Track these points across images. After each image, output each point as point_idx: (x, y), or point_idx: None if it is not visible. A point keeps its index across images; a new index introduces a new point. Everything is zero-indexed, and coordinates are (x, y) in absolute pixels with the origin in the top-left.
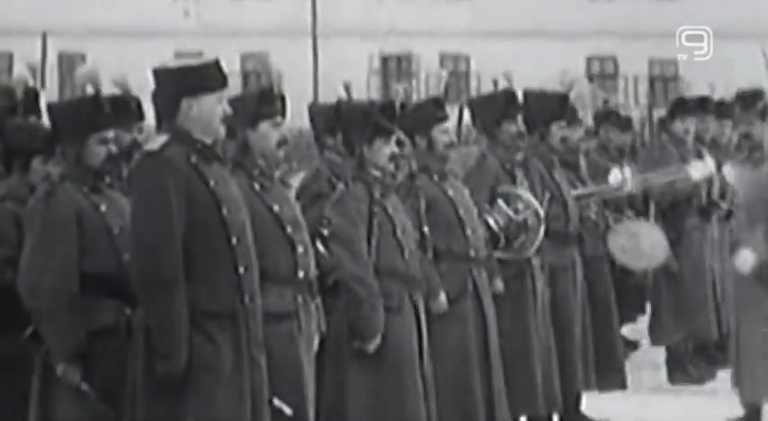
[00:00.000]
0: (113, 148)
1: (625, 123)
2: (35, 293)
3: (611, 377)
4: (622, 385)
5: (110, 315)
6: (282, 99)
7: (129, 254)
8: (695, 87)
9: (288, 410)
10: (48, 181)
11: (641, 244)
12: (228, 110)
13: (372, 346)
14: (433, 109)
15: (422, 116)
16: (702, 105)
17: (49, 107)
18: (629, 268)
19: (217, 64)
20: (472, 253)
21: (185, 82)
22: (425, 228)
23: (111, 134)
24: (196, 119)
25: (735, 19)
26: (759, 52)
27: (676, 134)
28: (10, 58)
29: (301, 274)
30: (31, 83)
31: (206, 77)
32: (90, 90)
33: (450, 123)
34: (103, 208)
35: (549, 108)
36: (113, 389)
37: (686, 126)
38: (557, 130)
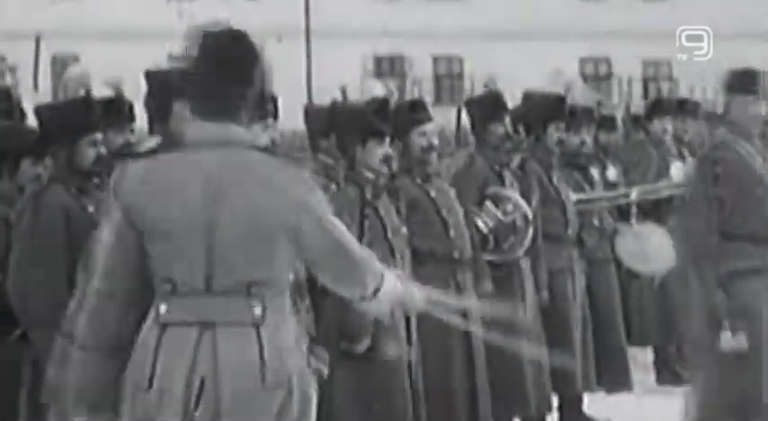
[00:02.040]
0: (103, 150)
1: (608, 123)
2: (23, 295)
3: (616, 378)
4: (628, 386)
5: None
6: (273, 101)
7: None
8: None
9: None
10: (37, 182)
11: (648, 247)
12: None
13: (360, 348)
14: (410, 112)
15: (399, 119)
16: (681, 107)
17: (39, 109)
18: (636, 271)
19: None
20: (456, 254)
21: (177, 84)
22: (404, 230)
23: (100, 136)
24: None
25: (734, 19)
26: (757, 53)
27: (654, 134)
28: (3, 61)
29: (291, 276)
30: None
31: None
32: (81, 92)
33: (447, 124)
34: (91, 209)
35: (546, 109)
36: None
37: (664, 126)
38: (553, 132)
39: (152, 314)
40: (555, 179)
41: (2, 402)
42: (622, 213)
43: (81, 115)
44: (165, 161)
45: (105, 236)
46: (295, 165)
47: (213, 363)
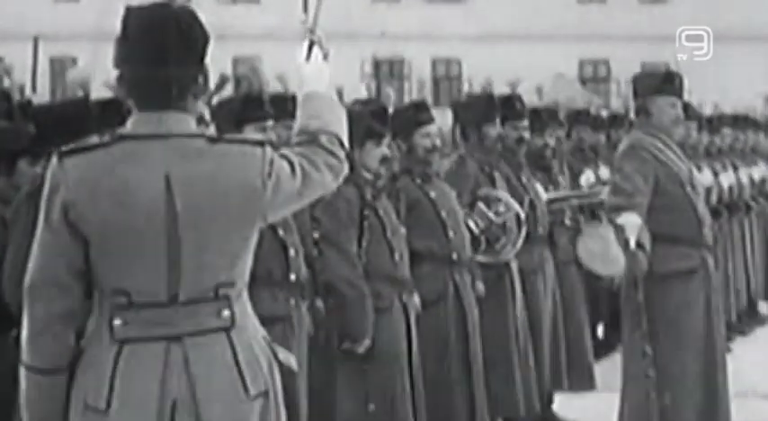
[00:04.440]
0: None
1: (598, 122)
2: (20, 294)
3: (580, 378)
4: (591, 386)
5: None
6: (274, 102)
7: None
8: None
9: None
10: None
11: (611, 250)
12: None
13: (362, 348)
14: (414, 113)
15: (403, 120)
16: None
17: (38, 109)
18: (596, 273)
19: None
20: (454, 256)
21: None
22: (402, 230)
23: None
24: None
25: (734, 19)
26: (757, 53)
27: None
28: (1, 62)
29: (293, 277)
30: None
31: None
32: (79, 93)
33: (445, 126)
34: None
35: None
36: None
37: None
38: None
39: (99, 328)
40: (524, 178)
41: (1, 402)
42: (593, 215)
43: (79, 116)
44: (111, 156)
45: (41, 244)
46: (246, 144)
47: (187, 382)
